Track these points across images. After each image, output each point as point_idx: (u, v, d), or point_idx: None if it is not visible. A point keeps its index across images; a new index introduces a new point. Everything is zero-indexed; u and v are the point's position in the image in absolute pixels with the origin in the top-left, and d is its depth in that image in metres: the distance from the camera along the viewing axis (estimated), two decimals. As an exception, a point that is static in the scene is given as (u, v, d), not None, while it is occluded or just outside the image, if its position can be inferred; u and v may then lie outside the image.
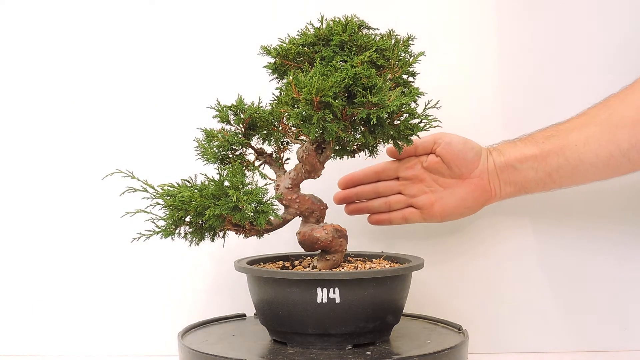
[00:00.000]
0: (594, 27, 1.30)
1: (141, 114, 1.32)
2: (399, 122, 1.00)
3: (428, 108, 1.03)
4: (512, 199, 1.21)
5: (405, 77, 1.03)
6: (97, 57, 1.31)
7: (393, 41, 1.03)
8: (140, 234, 0.98)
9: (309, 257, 1.14)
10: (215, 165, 1.06)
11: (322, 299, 0.98)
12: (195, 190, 0.96)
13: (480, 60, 1.31)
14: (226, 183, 0.97)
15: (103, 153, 1.31)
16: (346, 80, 0.95)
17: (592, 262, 1.30)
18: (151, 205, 0.99)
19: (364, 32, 1.02)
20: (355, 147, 1.04)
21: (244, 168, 1.01)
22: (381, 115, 0.95)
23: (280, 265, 1.11)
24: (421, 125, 1.01)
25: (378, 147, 1.05)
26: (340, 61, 1.00)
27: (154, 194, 0.99)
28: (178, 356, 1.06)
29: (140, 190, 1.01)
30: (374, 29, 1.04)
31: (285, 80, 1.02)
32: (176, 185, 0.99)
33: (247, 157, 1.07)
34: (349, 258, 1.13)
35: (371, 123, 0.97)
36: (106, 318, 1.31)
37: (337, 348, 1.00)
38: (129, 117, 1.32)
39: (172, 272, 1.31)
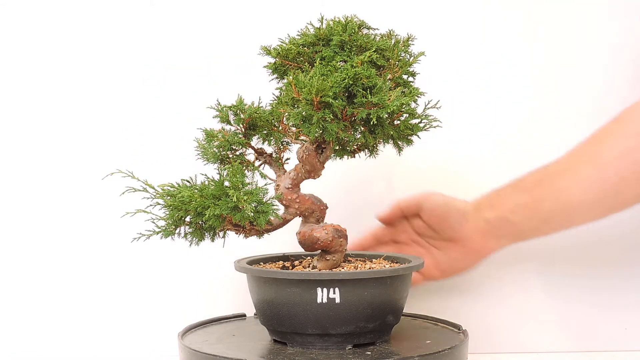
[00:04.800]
0: (594, 27, 1.30)
1: (141, 114, 1.32)
2: (399, 122, 1.00)
3: (428, 108, 1.03)
4: None
5: (405, 77, 1.03)
6: (97, 57, 1.31)
7: (393, 41, 1.03)
8: (141, 234, 0.98)
9: (309, 257, 1.14)
10: (215, 165, 1.06)
11: (322, 299, 0.98)
12: (195, 190, 0.96)
13: (480, 59, 1.31)
14: (226, 183, 0.97)
15: (103, 153, 1.31)
16: (346, 80, 0.95)
17: (592, 261, 1.30)
18: (151, 205, 0.99)
19: (364, 32, 1.02)
20: (355, 147, 1.04)
21: (244, 168, 1.01)
22: (381, 115, 0.95)
23: (280, 265, 1.11)
24: (421, 125, 1.01)
25: (378, 147, 1.06)
26: (340, 61, 1.00)
27: (154, 194, 0.99)
28: (178, 356, 1.06)
29: (140, 190, 1.01)
30: (374, 29, 1.04)
31: (285, 80, 1.02)
32: (176, 185, 0.98)
33: (247, 157, 1.07)
34: (349, 258, 1.13)
35: (371, 123, 0.97)
36: (106, 318, 1.31)
37: (337, 348, 1.00)
38: (129, 117, 1.32)
39: (172, 272, 1.31)
